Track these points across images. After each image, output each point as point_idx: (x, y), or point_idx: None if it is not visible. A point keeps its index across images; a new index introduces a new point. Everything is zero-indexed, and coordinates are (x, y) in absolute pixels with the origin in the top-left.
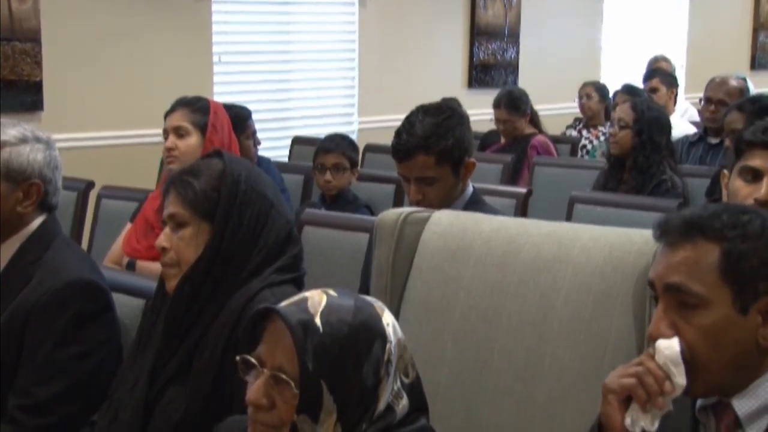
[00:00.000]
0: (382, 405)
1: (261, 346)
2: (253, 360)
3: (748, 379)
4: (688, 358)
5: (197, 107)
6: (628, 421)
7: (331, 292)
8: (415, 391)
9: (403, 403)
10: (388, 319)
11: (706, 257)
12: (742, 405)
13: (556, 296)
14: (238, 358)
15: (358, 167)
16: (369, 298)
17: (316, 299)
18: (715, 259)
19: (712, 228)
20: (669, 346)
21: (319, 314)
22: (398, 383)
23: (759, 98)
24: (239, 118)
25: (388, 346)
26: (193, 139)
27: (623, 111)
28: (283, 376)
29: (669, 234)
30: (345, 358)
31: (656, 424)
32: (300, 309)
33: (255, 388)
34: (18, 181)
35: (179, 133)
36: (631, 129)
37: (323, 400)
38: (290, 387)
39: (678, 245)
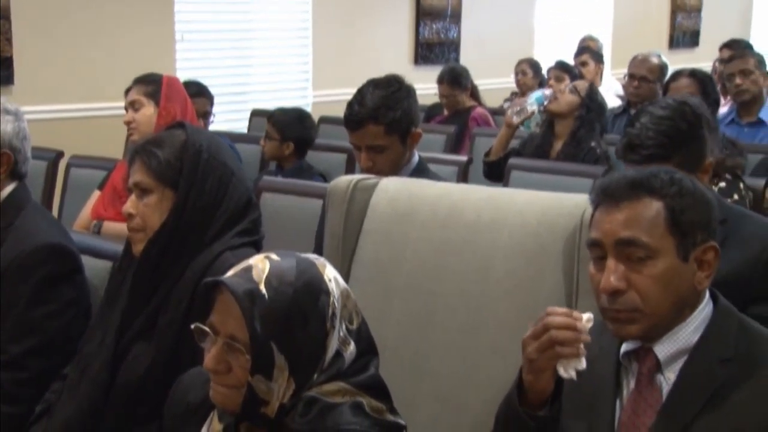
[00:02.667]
0: (330, 354)
1: (213, 315)
2: (207, 329)
3: (675, 324)
4: (641, 307)
5: (150, 81)
6: (561, 370)
7: (274, 257)
8: (361, 335)
9: (351, 348)
10: (329, 274)
11: (652, 212)
12: (662, 350)
13: (495, 256)
14: (193, 326)
15: (292, 141)
16: (311, 256)
17: (260, 266)
18: (660, 214)
19: (654, 186)
20: (589, 319)
21: (263, 282)
22: (344, 330)
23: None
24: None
25: (331, 300)
26: (148, 110)
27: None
28: (236, 344)
29: (614, 195)
30: (291, 319)
31: (584, 361)
32: (245, 278)
33: (211, 355)
34: None
35: (135, 107)
36: (581, 99)
37: (275, 359)
38: (243, 353)
39: (624, 204)
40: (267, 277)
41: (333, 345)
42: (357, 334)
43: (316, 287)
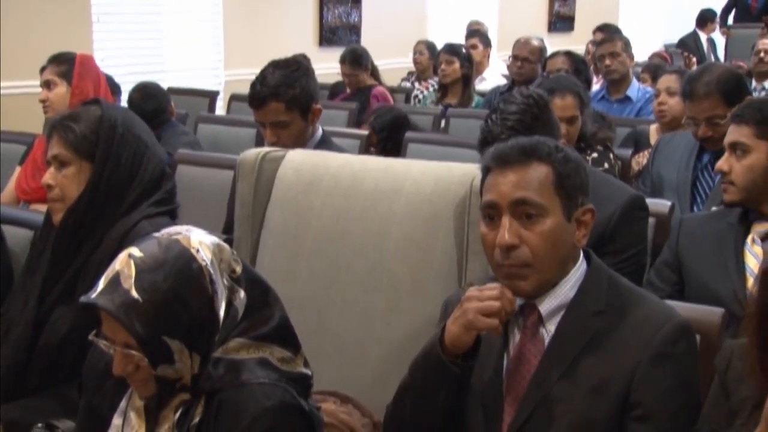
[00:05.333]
0: (222, 312)
1: (104, 327)
2: (103, 342)
3: (558, 280)
4: (532, 261)
5: (62, 60)
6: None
7: (137, 253)
8: (249, 278)
9: (241, 295)
10: (194, 241)
11: (541, 175)
12: (544, 305)
13: (392, 221)
14: (90, 338)
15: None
16: (172, 229)
17: (126, 271)
18: (549, 177)
19: (542, 152)
20: None
21: (133, 287)
22: (227, 282)
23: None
24: None
25: (204, 267)
26: (61, 89)
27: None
28: (130, 351)
29: (507, 160)
30: (172, 308)
31: None
32: (116, 289)
33: (115, 363)
34: None
35: (49, 86)
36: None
37: (170, 346)
38: (140, 354)
39: (516, 168)
40: (135, 280)
41: (221, 303)
42: (242, 278)
43: (185, 265)
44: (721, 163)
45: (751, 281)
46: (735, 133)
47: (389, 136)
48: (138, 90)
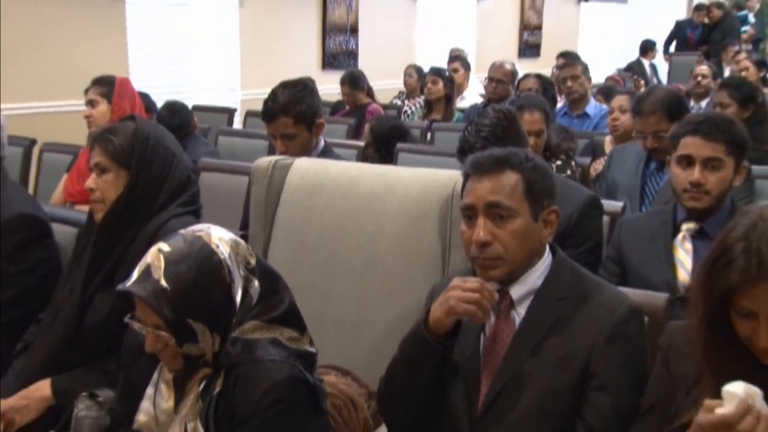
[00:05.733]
0: (238, 298)
1: (137, 311)
2: (138, 324)
3: (526, 270)
4: (503, 255)
5: (104, 82)
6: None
7: (165, 248)
8: (261, 269)
9: (255, 284)
10: (215, 237)
11: (512, 182)
12: (516, 291)
13: (385, 220)
14: (126, 320)
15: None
16: (196, 227)
17: (156, 264)
18: (519, 183)
19: (514, 162)
20: None
21: (162, 277)
22: (243, 272)
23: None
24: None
25: (223, 261)
26: (103, 107)
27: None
28: (160, 332)
29: (483, 168)
30: (195, 296)
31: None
32: (147, 279)
33: (147, 341)
34: None
35: (92, 104)
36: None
37: (194, 328)
38: (168, 334)
39: (491, 175)
40: (164, 271)
41: (238, 291)
42: (256, 269)
43: (206, 258)
44: (699, 176)
45: (680, 271)
46: (708, 149)
47: (387, 141)
48: (166, 107)
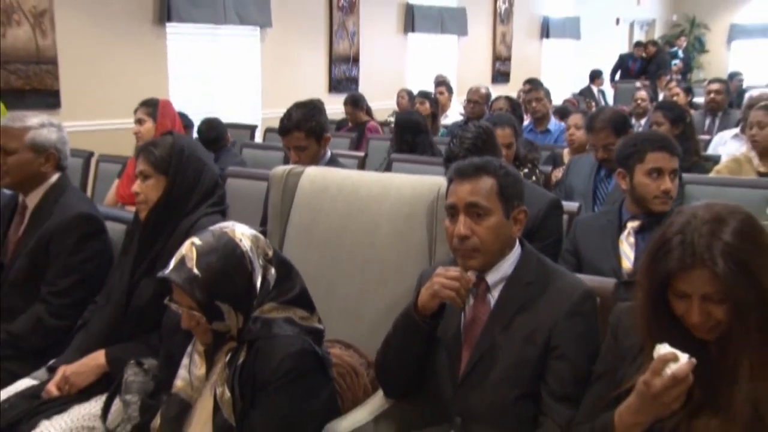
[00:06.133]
0: (258, 284)
1: (174, 294)
2: (175, 305)
3: (499, 260)
4: (480, 247)
5: (150, 104)
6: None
7: (197, 242)
8: (278, 260)
9: (272, 272)
10: (239, 233)
11: (488, 185)
12: (491, 278)
13: (381, 218)
14: (166, 302)
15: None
16: (225, 224)
17: (189, 255)
18: (494, 187)
19: (489, 169)
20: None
21: (195, 266)
22: (262, 262)
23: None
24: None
25: (245, 252)
26: (149, 125)
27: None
28: (193, 312)
29: (464, 173)
30: (222, 282)
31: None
32: (182, 267)
33: (183, 320)
34: (40, 151)
35: (140, 122)
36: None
37: (221, 308)
38: (200, 314)
39: (471, 180)
40: (196, 261)
41: (258, 278)
42: (273, 259)
43: (231, 250)
44: (671, 186)
45: (624, 260)
46: (673, 162)
47: (405, 131)
48: (205, 123)
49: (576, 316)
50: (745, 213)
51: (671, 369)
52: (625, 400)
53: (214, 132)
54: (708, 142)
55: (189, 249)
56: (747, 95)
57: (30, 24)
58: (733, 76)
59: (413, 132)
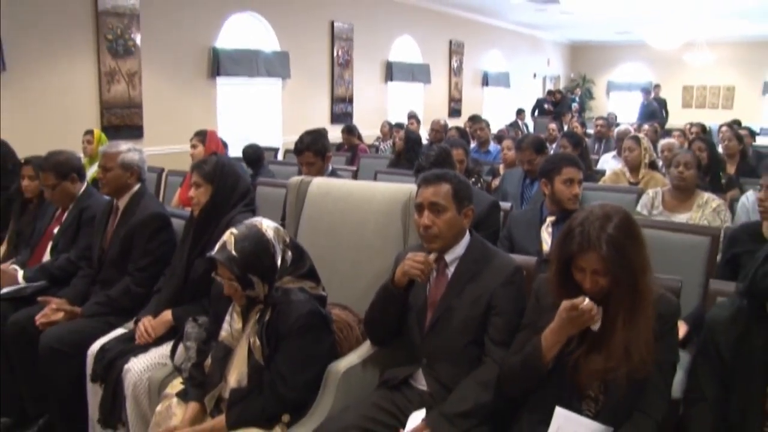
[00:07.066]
0: (279, 263)
1: (219, 269)
2: (219, 278)
3: (454, 244)
4: (439, 234)
5: (201, 133)
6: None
7: (235, 231)
8: (293, 245)
9: (289, 254)
10: (265, 226)
11: (446, 190)
12: (448, 257)
13: (369, 216)
14: (213, 275)
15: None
16: (255, 219)
17: (229, 240)
18: (450, 190)
19: (447, 177)
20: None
21: (234, 249)
22: (282, 247)
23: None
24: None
25: (270, 239)
26: (200, 149)
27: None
28: (232, 282)
29: (429, 180)
30: (253, 260)
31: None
32: (224, 250)
33: (225, 288)
34: (127, 168)
35: (194, 147)
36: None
37: (252, 280)
38: (237, 285)
39: (433, 185)
40: (234, 245)
41: (278, 258)
42: (290, 245)
43: (260, 239)
44: (578, 191)
45: (544, 245)
46: (579, 174)
47: (413, 143)
48: (250, 147)
49: (509, 284)
50: (625, 212)
51: (580, 300)
52: (548, 326)
53: (255, 154)
54: (597, 160)
55: (229, 237)
56: (616, 130)
57: (125, 81)
58: (610, 115)
59: (417, 143)
